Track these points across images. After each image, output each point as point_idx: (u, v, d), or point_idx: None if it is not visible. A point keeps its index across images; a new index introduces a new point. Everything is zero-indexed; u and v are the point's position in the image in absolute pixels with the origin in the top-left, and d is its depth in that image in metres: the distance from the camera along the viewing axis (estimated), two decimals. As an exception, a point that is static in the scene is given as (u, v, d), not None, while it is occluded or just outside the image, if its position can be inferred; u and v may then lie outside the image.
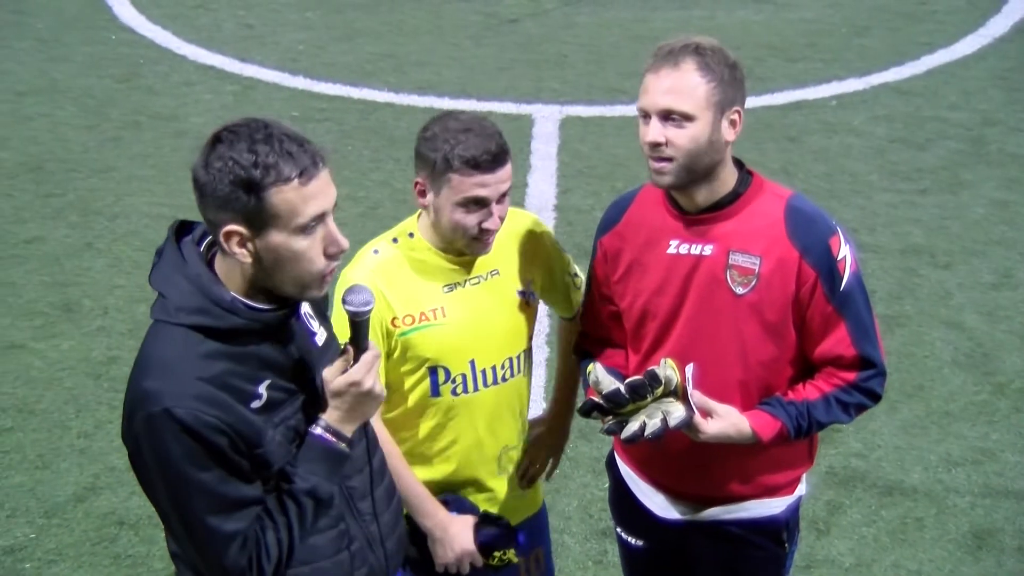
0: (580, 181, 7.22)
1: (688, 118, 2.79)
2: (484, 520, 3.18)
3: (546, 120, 8.07)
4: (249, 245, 2.32)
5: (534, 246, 3.24)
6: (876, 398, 2.97)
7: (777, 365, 2.94)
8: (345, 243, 2.38)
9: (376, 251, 3.08)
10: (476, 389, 3.12)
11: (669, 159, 2.81)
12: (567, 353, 3.39)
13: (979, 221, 6.86)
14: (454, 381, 3.09)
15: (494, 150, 2.92)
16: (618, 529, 3.38)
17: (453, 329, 3.06)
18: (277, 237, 2.31)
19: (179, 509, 2.35)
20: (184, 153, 7.56)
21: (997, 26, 9.63)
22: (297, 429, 2.46)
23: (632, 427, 2.77)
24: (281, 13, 9.95)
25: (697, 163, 2.82)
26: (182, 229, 2.47)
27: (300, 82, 8.68)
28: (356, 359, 2.45)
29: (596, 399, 2.81)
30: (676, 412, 2.77)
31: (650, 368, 2.76)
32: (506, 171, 2.97)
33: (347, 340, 2.48)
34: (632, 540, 3.32)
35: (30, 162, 7.49)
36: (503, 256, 3.16)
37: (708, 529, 3.14)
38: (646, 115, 2.83)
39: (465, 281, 3.11)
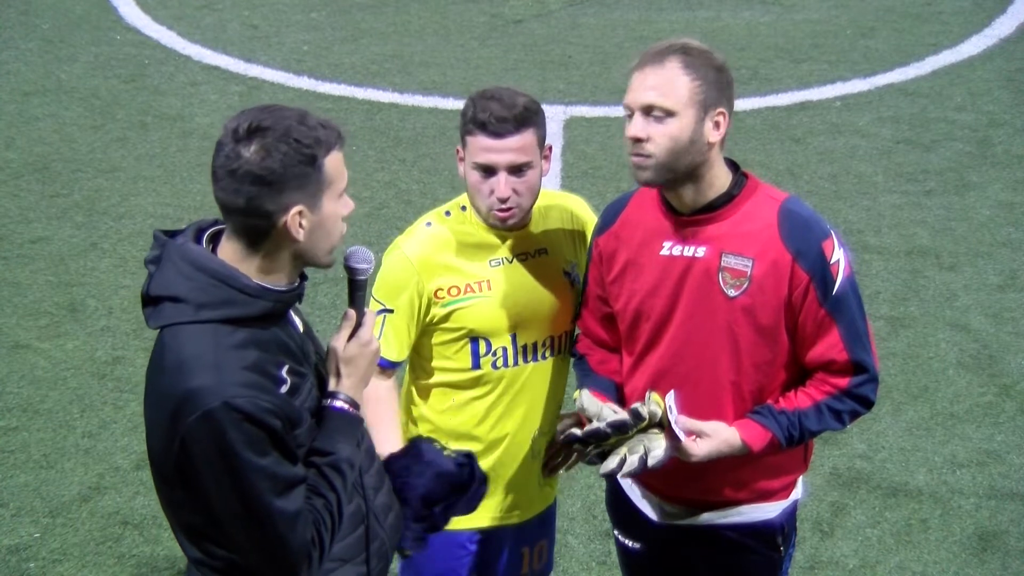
0: (584, 182, 7.20)
1: (670, 113, 2.78)
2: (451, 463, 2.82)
3: (550, 121, 7.97)
4: (305, 221, 2.39)
5: (583, 231, 3.31)
6: (869, 404, 2.95)
7: (771, 368, 2.93)
8: (353, 204, 2.50)
9: (428, 223, 3.20)
10: (516, 364, 3.19)
11: (649, 155, 2.81)
12: None
13: (985, 223, 6.84)
14: (495, 354, 3.17)
15: (505, 116, 2.98)
16: (615, 531, 3.39)
17: (497, 302, 3.14)
18: (328, 205, 2.41)
19: (243, 500, 2.35)
20: (190, 153, 7.57)
21: (1003, 27, 9.59)
22: (311, 410, 2.50)
23: (611, 464, 2.79)
24: (286, 14, 9.94)
25: (677, 161, 2.81)
26: (169, 235, 2.48)
27: (305, 82, 8.67)
28: (359, 321, 2.48)
29: (578, 432, 2.82)
30: (657, 449, 2.78)
31: (634, 405, 2.77)
32: (516, 141, 3.01)
33: (348, 304, 2.52)
34: (629, 542, 3.32)
35: (36, 162, 7.50)
36: (552, 237, 3.25)
37: (703, 533, 3.13)
38: (630, 112, 2.84)
39: (512, 257, 3.19)
